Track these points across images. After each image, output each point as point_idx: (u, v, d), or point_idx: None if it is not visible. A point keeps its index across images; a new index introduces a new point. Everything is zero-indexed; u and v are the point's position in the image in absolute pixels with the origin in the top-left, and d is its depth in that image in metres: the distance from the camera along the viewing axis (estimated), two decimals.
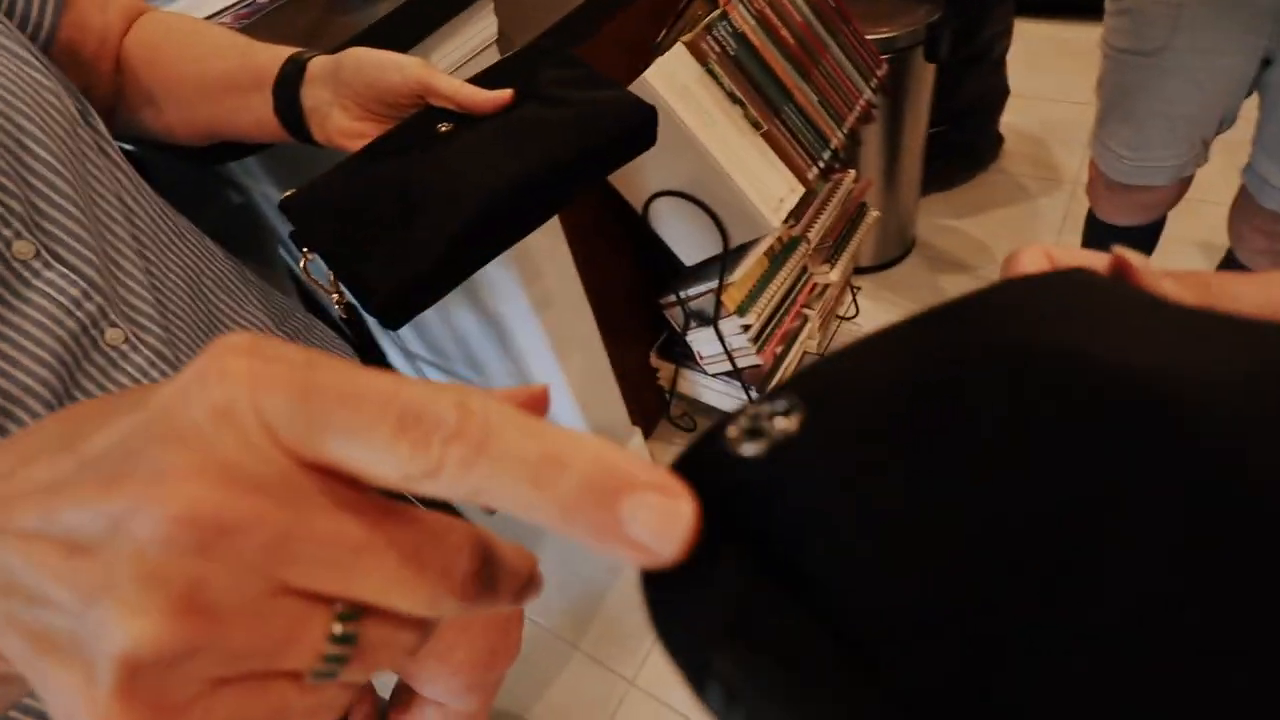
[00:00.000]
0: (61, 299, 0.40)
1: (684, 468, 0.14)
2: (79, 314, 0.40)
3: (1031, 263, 0.21)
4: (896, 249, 1.75)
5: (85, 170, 0.43)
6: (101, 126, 0.47)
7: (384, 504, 0.14)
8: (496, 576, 0.15)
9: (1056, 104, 2.07)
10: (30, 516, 0.13)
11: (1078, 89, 2.04)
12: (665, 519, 0.13)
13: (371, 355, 0.44)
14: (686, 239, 1.08)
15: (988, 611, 0.11)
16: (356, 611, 0.14)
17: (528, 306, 0.99)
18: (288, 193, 0.42)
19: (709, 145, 0.91)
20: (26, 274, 0.39)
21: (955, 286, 1.68)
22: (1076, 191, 1.81)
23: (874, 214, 1.41)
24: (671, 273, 1.19)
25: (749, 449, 0.14)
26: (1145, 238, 1.18)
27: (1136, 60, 0.96)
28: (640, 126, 0.44)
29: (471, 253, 0.40)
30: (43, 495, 0.14)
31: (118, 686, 0.12)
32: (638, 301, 1.29)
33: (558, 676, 1.20)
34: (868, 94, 1.11)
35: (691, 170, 0.95)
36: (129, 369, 0.43)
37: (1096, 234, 1.21)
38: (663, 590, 0.13)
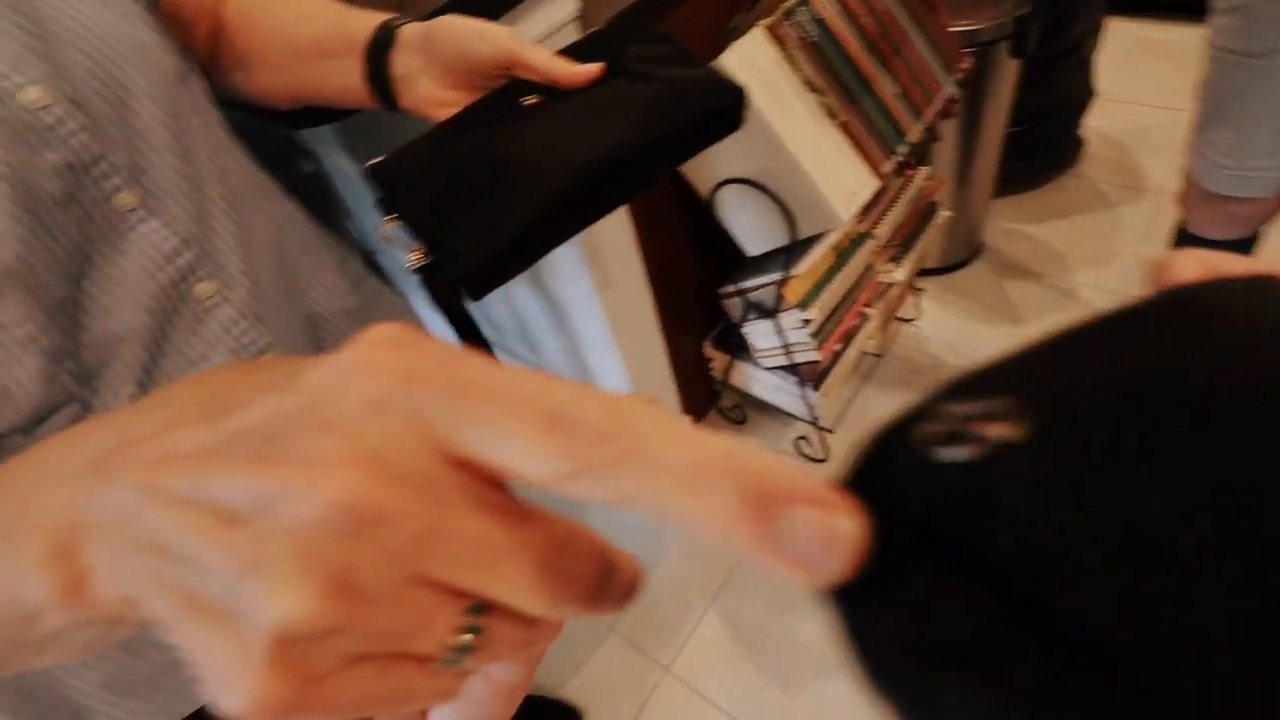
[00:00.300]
0: (158, 251, 0.41)
1: (866, 472, 0.14)
2: (173, 267, 0.42)
3: (1188, 270, 0.19)
4: (964, 252, 1.69)
5: (184, 127, 0.44)
6: (200, 86, 0.48)
7: (522, 506, 0.15)
8: (610, 584, 0.16)
9: (1145, 108, 1.97)
10: (180, 482, 0.14)
11: (1168, 93, 1.94)
12: (828, 534, 0.12)
13: (455, 319, 0.45)
14: (752, 228, 1.07)
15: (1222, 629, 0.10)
16: (484, 607, 0.15)
17: (589, 287, 0.99)
18: (375, 160, 0.42)
19: (783, 133, 0.89)
20: (126, 225, 0.40)
21: (1023, 294, 1.62)
22: (1160, 202, 1.72)
23: (945, 213, 1.36)
24: (733, 262, 1.18)
25: (952, 454, 0.13)
26: (1238, 254, 1.11)
27: (1245, 62, 0.90)
28: (729, 107, 0.43)
29: (557, 227, 0.40)
30: (192, 463, 0.14)
31: (270, 655, 0.13)
32: (696, 289, 1.28)
33: (594, 656, 1.21)
34: (949, 88, 1.08)
35: (763, 158, 0.93)
36: (216, 323, 0.44)
37: (1186, 248, 1.15)
38: (860, 610, 0.13)
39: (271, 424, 0.14)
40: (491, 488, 0.14)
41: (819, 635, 1.17)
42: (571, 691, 1.18)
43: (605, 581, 0.15)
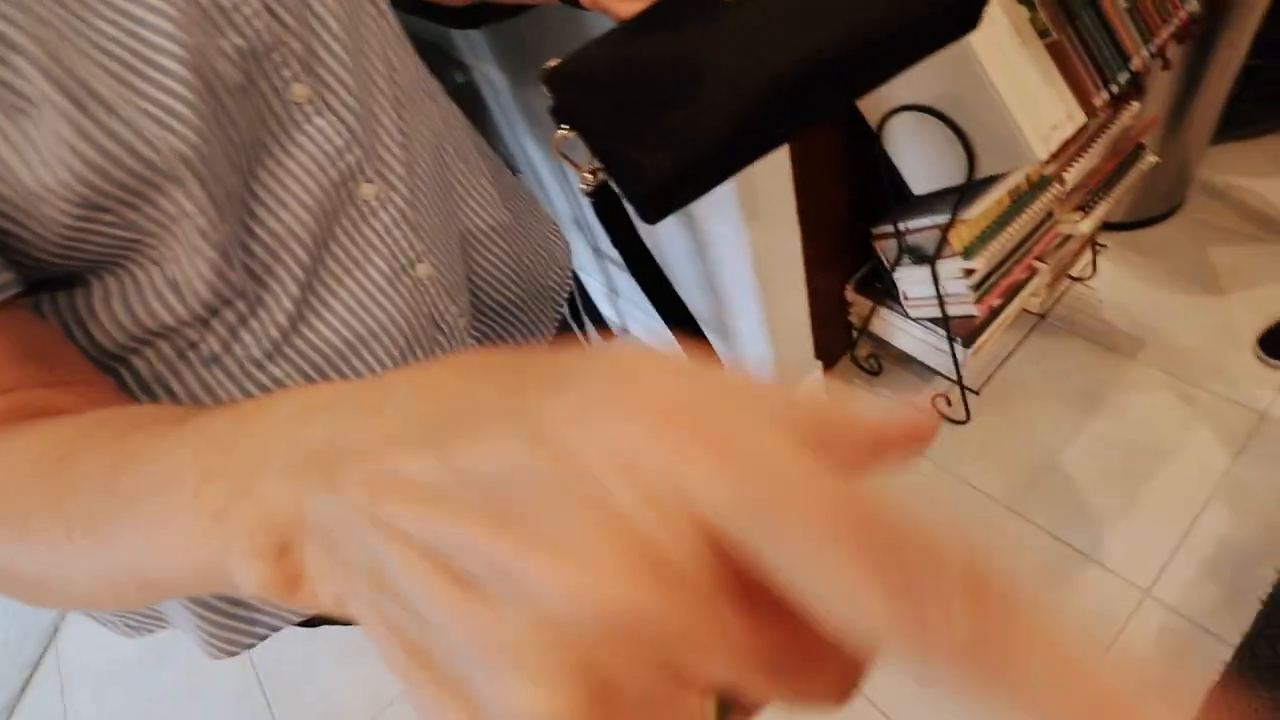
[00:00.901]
0: (327, 147, 0.39)
1: None
2: (340, 164, 0.40)
3: None
4: (1160, 205, 1.47)
5: (358, 19, 0.42)
6: None
7: (777, 598, 0.12)
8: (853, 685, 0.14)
9: None
10: (406, 516, 0.13)
11: None
12: None
13: (627, 250, 0.41)
14: (922, 163, 0.96)
15: None
16: (728, 706, 0.13)
17: (736, 216, 0.93)
18: (551, 62, 0.38)
19: (980, 52, 0.77)
20: (299, 118, 0.39)
21: (1230, 259, 1.40)
22: None
23: (1151, 159, 1.18)
24: (894, 198, 1.07)
25: None
26: None
27: None
28: (963, 4, 0.35)
29: (754, 140, 0.35)
30: (420, 500, 0.13)
31: None
32: (845, 226, 1.18)
33: None
34: (1192, 4, 0.90)
35: (951, 81, 0.82)
36: (376, 225, 0.43)
37: None
38: None
39: (515, 479, 0.12)
40: (746, 575, 0.12)
41: None
42: None
43: (852, 684, 0.13)
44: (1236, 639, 0.99)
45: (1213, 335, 1.30)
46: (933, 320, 1.17)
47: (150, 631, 0.48)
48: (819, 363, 1.29)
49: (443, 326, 0.48)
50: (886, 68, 0.36)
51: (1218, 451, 1.16)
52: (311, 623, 0.50)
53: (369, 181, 0.42)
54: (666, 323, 0.48)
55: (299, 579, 0.14)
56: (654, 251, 0.41)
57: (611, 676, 0.12)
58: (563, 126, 0.36)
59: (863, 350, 1.39)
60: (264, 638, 0.47)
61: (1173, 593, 1.05)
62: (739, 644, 0.12)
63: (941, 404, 1.30)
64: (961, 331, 1.17)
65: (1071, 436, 1.23)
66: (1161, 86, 1.25)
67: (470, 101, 1.25)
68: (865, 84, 0.36)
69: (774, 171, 0.93)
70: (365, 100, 0.42)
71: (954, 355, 1.17)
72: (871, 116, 0.95)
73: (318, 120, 0.39)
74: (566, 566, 0.11)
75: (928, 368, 1.28)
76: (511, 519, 0.12)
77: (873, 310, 1.27)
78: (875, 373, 1.38)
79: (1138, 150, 1.16)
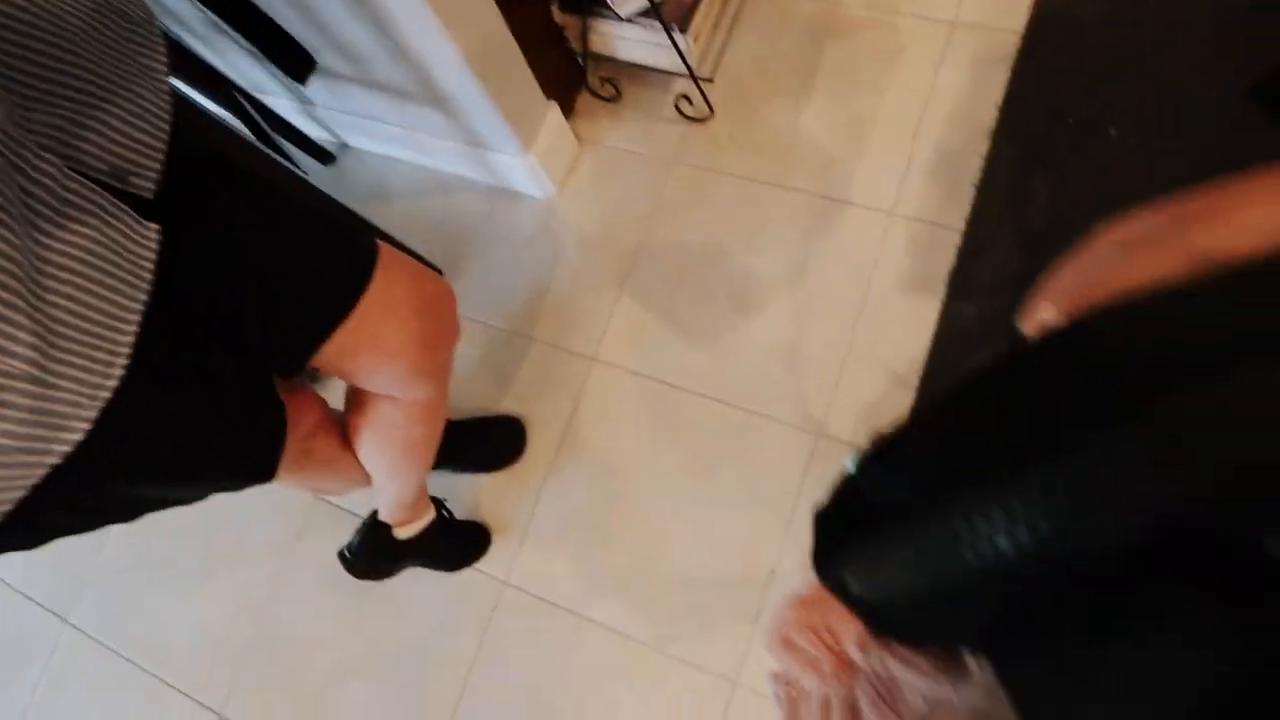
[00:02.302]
0: None
1: None
2: None
3: None
4: None
5: None
6: None
7: None
8: None
9: None
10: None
11: None
12: None
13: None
14: None
15: None
16: None
17: None
18: None
19: None
20: None
21: None
22: None
23: None
24: None
25: None
26: None
27: None
28: None
29: None
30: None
31: None
32: None
33: (520, 368, 1.22)
34: None
35: None
36: None
37: None
38: None
39: None
40: None
41: (723, 294, 1.19)
42: (508, 405, 1.21)
43: None
44: (961, 225, 1.15)
45: None
46: (643, 14, 1.11)
47: None
48: (553, 103, 1.21)
49: None
50: None
51: (923, 71, 1.26)
52: None
53: None
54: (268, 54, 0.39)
55: None
56: (329, 40, 0.31)
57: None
58: None
59: (595, 78, 1.32)
60: None
61: (910, 205, 1.18)
62: None
63: (685, 105, 1.29)
64: (676, 18, 1.13)
65: (805, 103, 1.28)
66: None
67: None
68: None
69: None
70: None
71: (676, 45, 1.14)
72: None
73: None
74: None
75: (662, 72, 1.24)
76: None
77: (585, 27, 1.18)
78: (615, 99, 1.33)
79: None
